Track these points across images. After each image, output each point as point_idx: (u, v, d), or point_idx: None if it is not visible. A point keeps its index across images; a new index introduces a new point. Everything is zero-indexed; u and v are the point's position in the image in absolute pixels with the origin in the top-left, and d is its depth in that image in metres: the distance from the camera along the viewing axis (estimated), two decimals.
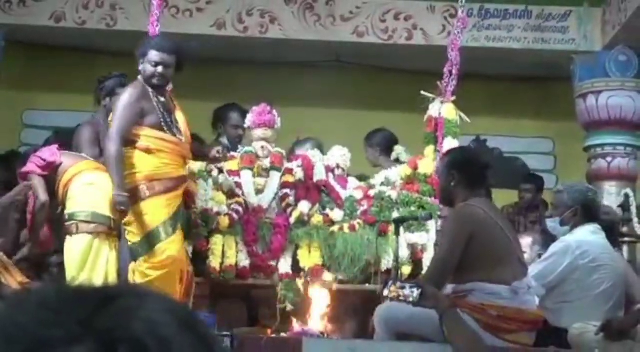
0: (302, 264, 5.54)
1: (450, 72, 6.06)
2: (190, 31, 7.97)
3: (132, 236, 5.05)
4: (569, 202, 5.21)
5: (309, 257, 5.55)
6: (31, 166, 5.35)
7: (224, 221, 5.47)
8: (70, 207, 5.16)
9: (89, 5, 8.06)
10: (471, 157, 4.86)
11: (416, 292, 4.24)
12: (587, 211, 5.15)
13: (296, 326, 5.30)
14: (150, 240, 5.01)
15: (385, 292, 4.33)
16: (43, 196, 5.31)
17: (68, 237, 5.11)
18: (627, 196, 7.19)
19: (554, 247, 5.13)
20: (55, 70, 8.91)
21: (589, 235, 5.10)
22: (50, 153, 5.34)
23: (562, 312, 4.94)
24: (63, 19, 8.06)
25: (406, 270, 5.46)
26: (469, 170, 4.64)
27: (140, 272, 5.00)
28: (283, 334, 5.10)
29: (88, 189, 5.17)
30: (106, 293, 0.77)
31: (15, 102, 9.03)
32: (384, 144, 6.64)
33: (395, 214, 5.62)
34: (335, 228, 5.62)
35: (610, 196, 7.71)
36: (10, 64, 8.55)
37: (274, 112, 5.93)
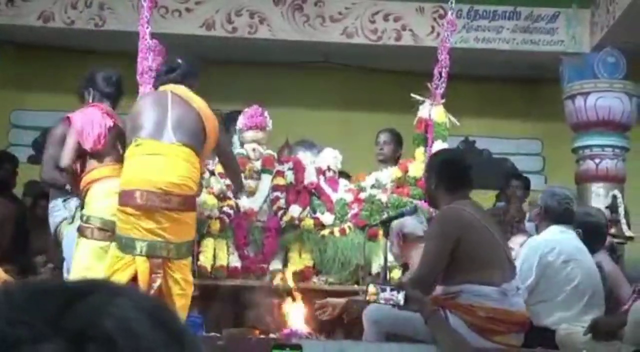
0: (292, 269, 5.56)
1: (440, 74, 6.06)
2: (179, 31, 7.96)
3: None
4: (539, 201, 5.32)
5: (300, 261, 5.57)
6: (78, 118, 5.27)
7: (215, 225, 5.47)
8: (89, 210, 5.11)
9: (78, 5, 8.04)
10: (450, 160, 4.83)
11: (400, 295, 4.25)
12: (548, 212, 5.21)
13: (285, 326, 5.29)
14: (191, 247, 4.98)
15: (367, 297, 4.35)
16: (67, 158, 5.19)
17: (83, 239, 5.08)
18: (614, 197, 7.23)
19: (523, 249, 5.17)
20: (44, 70, 8.89)
21: (557, 234, 5.15)
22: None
23: (540, 311, 4.96)
24: (51, 19, 8.04)
25: (396, 274, 5.45)
26: (449, 173, 4.64)
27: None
28: (272, 335, 5.10)
29: (111, 197, 5.07)
30: (75, 290, 0.75)
31: (3, 102, 9.01)
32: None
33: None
34: (326, 232, 5.64)
35: (598, 197, 7.75)
36: None
37: (266, 114, 5.92)
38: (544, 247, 5.07)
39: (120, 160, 5.09)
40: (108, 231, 5.01)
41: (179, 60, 5.21)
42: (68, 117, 5.31)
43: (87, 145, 5.14)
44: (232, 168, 5.30)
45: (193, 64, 5.26)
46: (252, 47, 8.34)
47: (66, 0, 8.05)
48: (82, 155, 5.21)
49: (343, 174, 6.39)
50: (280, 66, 8.94)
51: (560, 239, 5.14)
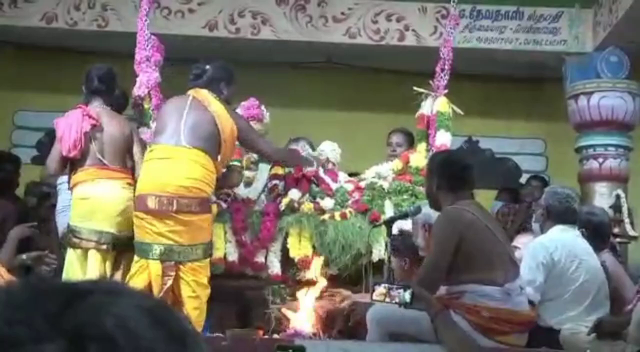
0: (292, 254, 5.47)
1: (442, 69, 6.06)
2: (182, 32, 7.96)
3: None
4: (543, 202, 5.32)
5: (299, 247, 5.48)
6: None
7: (212, 209, 5.43)
8: (70, 218, 5.17)
9: (80, 6, 8.05)
10: (449, 161, 4.83)
11: (407, 294, 4.25)
12: (551, 212, 5.21)
13: (288, 326, 5.29)
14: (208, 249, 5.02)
15: (374, 296, 4.34)
16: (52, 165, 5.19)
17: (68, 247, 5.13)
18: (618, 197, 7.21)
19: (527, 250, 5.16)
20: (47, 71, 8.89)
21: (559, 233, 5.15)
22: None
23: (546, 311, 4.95)
24: (54, 20, 8.05)
25: None
26: (449, 174, 4.64)
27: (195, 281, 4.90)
28: (275, 335, 5.10)
29: (81, 203, 5.12)
30: (76, 290, 0.75)
31: (6, 102, 9.01)
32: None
33: (387, 203, 5.59)
34: (326, 216, 5.57)
35: (602, 196, 7.73)
36: (1, 64, 8.55)
37: (262, 106, 5.93)
38: (547, 247, 5.07)
39: (97, 163, 5.12)
40: (82, 239, 5.05)
41: (207, 67, 5.25)
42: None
43: (64, 152, 5.14)
44: (271, 156, 5.45)
45: (222, 70, 5.31)
46: (255, 47, 8.34)
47: (69, 2, 8.05)
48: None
49: (354, 175, 6.34)
50: (283, 67, 8.93)
51: (563, 238, 5.13)
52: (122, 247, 5.09)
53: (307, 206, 5.54)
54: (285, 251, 5.51)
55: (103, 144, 5.17)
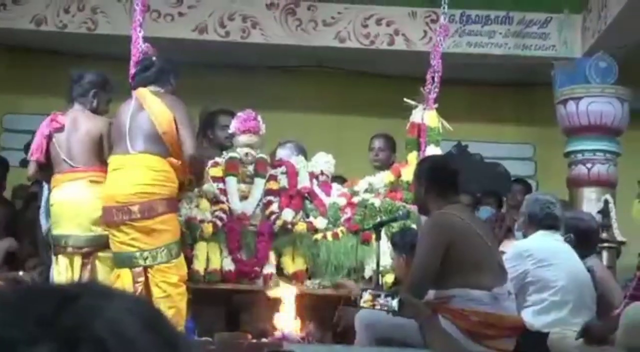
0: (285, 271, 5.57)
1: (433, 79, 6.07)
2: (171, 36, 7.94)
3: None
4: (524, 209, 5.34)
5: (293, 265, 5.58)
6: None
7: (208, 228, 5.46)
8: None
9: (70, 9, 8.03)
10: (438, 166, 4.85)
11: (395, 301, 4.25)
12: (532, 219, 5.24)
13: (277, 331, 5.29)
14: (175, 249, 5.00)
15: (361, 303, 4.35)
16: (29, 170, 5.26)
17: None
18: (606, 202, 7.23)
19: (506, 255, 5.18)
20: (36, 74, 8.87)
21: (539, 239, 5.17)
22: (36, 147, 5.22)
23: (527, 316, 4.95)
24: (44, 22, 8.02)
25: (389, 278, 5.45)
26: (437, 179, 4.66)
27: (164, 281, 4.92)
28: (264, 339, 5.09)
29: (51, 210, 5.18)
30: (68, 292, 0.75)
31: None
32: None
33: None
34: (319, 236, 5.63)
35: (590, 201, 7.75)
36: None
37: (259, 118, 5.91)
38: (523, 252, 5.09)
39: (63, 168, 5.13)
40: (55, 245, 5.09)
41: (154, 58, 5.24)
42: None
43: (28, 157, 5.23)
44: (191, 160, 5.01)
45: (169, 63, 5.27)
46: (245, 51, 8.33)
47: (59, 4, 8.03)
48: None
49: (339, 178, 6.39)
50: (273, 70, 8.93)
51: (541, 243, 5.14)
52: (92, 248, 5.09)
53: (301, 226, 5.61)
54: (279, 268, 5.62)
55: (70, 146, 5.17)
